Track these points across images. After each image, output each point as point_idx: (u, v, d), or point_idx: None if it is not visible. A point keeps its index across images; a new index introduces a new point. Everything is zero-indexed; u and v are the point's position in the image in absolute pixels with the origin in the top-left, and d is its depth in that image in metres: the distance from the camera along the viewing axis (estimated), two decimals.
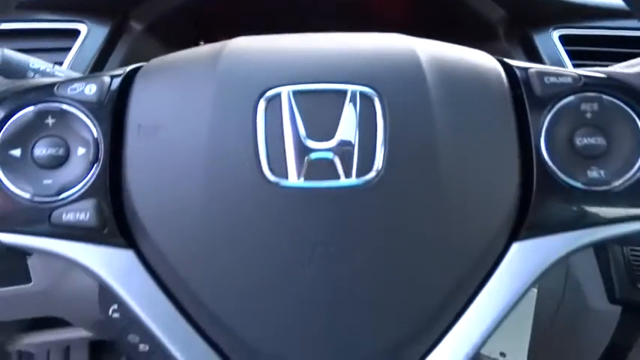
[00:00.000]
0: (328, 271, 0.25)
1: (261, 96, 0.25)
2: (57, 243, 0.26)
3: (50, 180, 0.26)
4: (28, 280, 0.48)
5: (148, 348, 0.30)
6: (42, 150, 0.26)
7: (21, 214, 0.26)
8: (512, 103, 0.27)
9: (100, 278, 0.26)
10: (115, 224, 0.26)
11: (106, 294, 0.31)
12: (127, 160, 0.26)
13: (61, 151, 0.26)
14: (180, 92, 0.26)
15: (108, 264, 0.26)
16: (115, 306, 0.30)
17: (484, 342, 0.26)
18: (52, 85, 0.27)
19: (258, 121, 0.25)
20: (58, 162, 0.26)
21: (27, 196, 0.26)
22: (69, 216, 0.26)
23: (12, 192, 0.26)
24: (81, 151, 0.26)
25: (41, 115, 0.26)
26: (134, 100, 0.27)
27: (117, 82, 0.27)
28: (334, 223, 0.25)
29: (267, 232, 0.25)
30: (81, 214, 0.26)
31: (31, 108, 0.26)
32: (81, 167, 0.26)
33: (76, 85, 0.27)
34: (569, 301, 0.47)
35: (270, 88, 0.25)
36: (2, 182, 0.26)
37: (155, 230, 0.26)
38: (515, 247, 0.26)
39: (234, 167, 0.25)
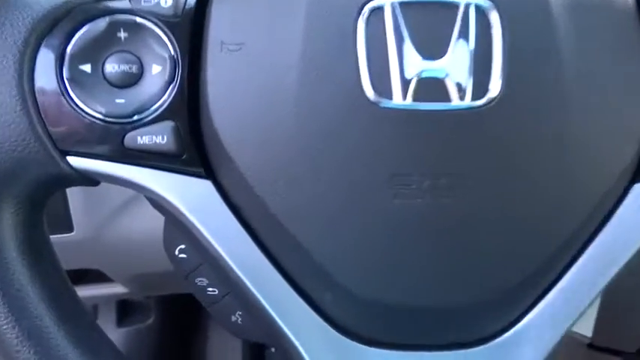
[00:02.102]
0: (438, 206, 0.22)
1: (361, 8, 0.22)
2: (130, 169, 0.24)
3: (123, 99, 0.23)
4: (70, 228, 0.46)
5: (217, 292, 0.28)
6: (114, 66, 0.23)
7: (92, 135, 0.23)
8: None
9: (175, 208, 0.24)
10: (195, 149, 0.24)
11: (173, 232, 0.29)
12: (208, 79, 0.23)
13: (134, 69, 0.23)
14: (269, 5, 0.23)
15: (184, 194, 0.24)
16: (182, 245, 0.28)
17: (601, 287, 0.23)
18: None
19: (358, 35, 0.22)
20: (132, 80, 0.23)
21: (99, 115, 0.23)
22: (144, 139, 0.23)
23: (82, 111, 0.23)
24: (156, 69, 0.23)
25: (113, 28, 0.23)
26: (215, 14, 0.24)
27: None
28: (445, 151, 0.22)
29: (368, 160, 0.22)
30: (158, 137, 0.23)
31: (102, 20, 0.24)
32: (156, 86, 0.23)
33: None
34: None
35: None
36: (72, 99, 0.23)
37: (238, 157, 0.23)
38: (638, 189, 0.24)
39: (330, 86, 0.22)
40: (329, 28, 0.22)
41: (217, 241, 0.24)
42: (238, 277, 0.24)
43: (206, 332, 0.94)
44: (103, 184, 0.47)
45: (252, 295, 0.24)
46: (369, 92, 0.22)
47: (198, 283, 0.28)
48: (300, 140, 0.22)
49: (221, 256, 0.24)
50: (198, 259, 0.28)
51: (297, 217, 0.23)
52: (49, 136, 0.24)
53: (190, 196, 0.24)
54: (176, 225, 0.27)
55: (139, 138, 0.23)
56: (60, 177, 0.24)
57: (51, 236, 0.49)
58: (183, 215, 0.24)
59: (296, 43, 0.22)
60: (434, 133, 0.22)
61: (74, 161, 0.24)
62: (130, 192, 0.49)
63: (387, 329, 0.24)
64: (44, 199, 0.27)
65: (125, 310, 0.83)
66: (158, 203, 0.25)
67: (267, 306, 0.24)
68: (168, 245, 0.28)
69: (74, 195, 0.44)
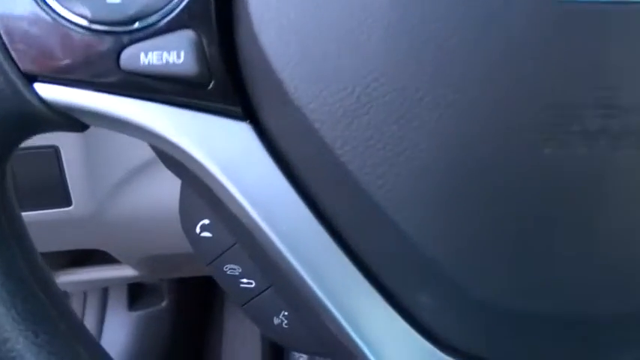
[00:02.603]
0: (611, 162, 0.14)
1: None
2: (128, 104, 0.16)
3: None
4: (68, 202, 0.39)
5: (254, 284, 0.20)
6: None
7: (71, 51, 0.16)
8: None
9: (197, 163, 0.16)
10: (227, 75, 0.16)
11: (193, 201, 0.21)
12: None
13: None
14: None
15: (210, 142, 0.16)
16: (206, 220, 0.20)
17: None
18: None
19: None
20: None
21: (82, 21, 0.15)
22: (150, 58, 0.15)
23: (56, 13, 0.16)
24: None
25: None
26: None
27: None
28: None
29: (509, 83, 0.14)
30: (171, 54, 0.15)
31: None
32: None
33: None
34: None
35: None
36: (45, 2, 0.16)
37: (298, 90, 0.15)
38: None
39: None
40: None
41: (258, 211, 0.16)
42: (288, 263, 0.16)
43: (222, 316, 0.88)
44: (105, 148, 0.38)
45: (309, 290, 0.16)
46: None
47: (228, 272, 0.20)
48: (406, 60, 0.14)
49: (263, 233, 0.16)
50: (229, 239, 0.20)
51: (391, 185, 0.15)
52: (8, 53, 0.16)
53: (219, 145, 0.16)
54: (198, 190, 0.19)
55: (142, 56, 0.15)
56: (26, 115, 0.17)
57: (47, 211, 0.43)
58: (209, 174, 0.16)
59: None
60: (620, 36, 0.13)
61: (45, 91, 0.16)
62: (137, 159, 0.42)
63: (514, 349, 0.16)
64: (6, 151, 0.19)
65: (137, 292, 0.78)
66: (170, 158, 0.17)
67: (330, 306, 0.16)
68: (187, 220, 0.21)
69: (71, 162, 0.37)
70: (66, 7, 0.15)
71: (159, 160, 0.41)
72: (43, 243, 0.45)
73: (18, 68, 0.16)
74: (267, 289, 0.20)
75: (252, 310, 0.21)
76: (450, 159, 0.15)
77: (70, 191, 0.38)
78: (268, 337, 0.21)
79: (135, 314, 0.78)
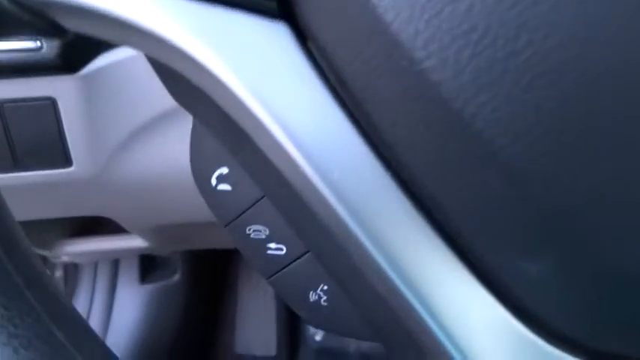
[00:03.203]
0: None
1: None
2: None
3: None
4: (69, 162, 0.35)
5: (285, 250, 0.16)
6: None
7: None
8: None
9: (214, 79, 0.12)
10: None
11: (208, 143, 0.16)
12: None
13: None
14: None
15: (232, 49, 0.12)
16: (224, 169, 0.16)
17: None
18: None
19: None
20: None
21: None
22: None
23: None
24: None
25: None
26: None
27: None
28: None
29: None
30: None
31: None
32: None
33: None
34: None
35: None
36: None
37: None
38: None
39: None
40: None
41: (299, 147, 0.12)
42: (338, 221, 0.12)
43: (236, 290, 0.86)
44: (107, 103, 0.34)
45: (365, 258, 0.12)
46: None
47: (252, 235, 0.16)
48: None
49: (305, 179, 0.12)
50: (254, 191, 0.15)
51: (495, 114, 0.10)
52: None
53: (246, 54, 0.11)
54: (214, 128, 0.15)
55: None
56: None
57: (46, 172, 0.39)
58: (231, 95, 0.12)
59: None
60: None
61: None
62: (142, 117, 0.38)
63: None
64: None
65: (149, 265, 0.76)
66: (177, 80, 0.13)
67: (395, 281, 0.12)
68: (201, 169, 0.16)
69: (70, 117, 0.33)
70: None
71: (167, 118, 0.37)
72: (45, 208, 0.42)
73: None
74: (303, 256, 0.16)
75: (281, 284, 0.16)
76: (568, 87, 0.10)
77: (70, 150, 0.35)
78: (302, 317, 0.16)
79: (146, 288, 0.76)
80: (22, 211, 0.40)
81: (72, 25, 0.13)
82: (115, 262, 0.77)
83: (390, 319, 0.13)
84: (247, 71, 0.12)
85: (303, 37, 0.12)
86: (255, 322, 0.86)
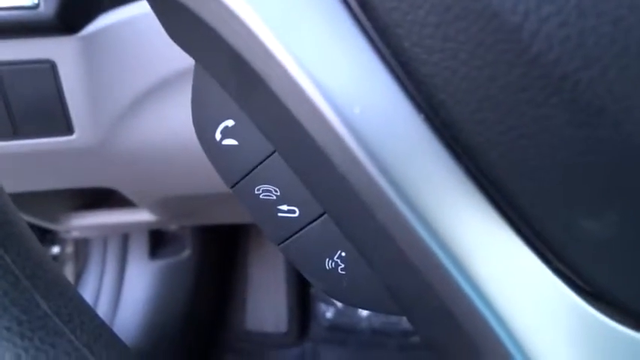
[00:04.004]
0: None
1: None
2: None
3: None
4: (70, 130, 0.33)
5: (298, 212, 0.14)
6: None
7: None
8: None
9: (228, 11, 0.10)
10: None
11: (211, 93, 0.15)
12: None
13: None
14: None
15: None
16: (230, 121, 0.14)
17: None
18: None
19: None
20: None
21: None
22: None
23: None
24: None
25: None
26: None
27: None
28: None
29: None
30: None
31: None
32: None
33: None
34: None
35: None
36: None
37: None
38: None
39: None
40: None
41: (317, 84, 0.10)
42: (361, 169, 0.10)
43: (245, 266, 0.85)
44: (108, 68, 0.33)
45: (393, 213, 0.10)
46: None
47: (262, 196, 0.14)
48: None
49: (321, 117, 0.10)
50: (263, 146, 0.14)
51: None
52: None
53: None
54: (219, 70, 0.13)
55: None
56: None
57: (47, 139, 0.38)
58: (244, 26, 0.10)
59: None
60: None
61: None
62: (144, 83, 0.36)
63: None
64: None
65: (158, 241, 0.75)
66: (176, 9, 0.11)
67: (430, 243, 0.10)
68: (203, 122, 0.14)
69: (71, 81, 0.32)
70: None
71: (172, 84, 0.35)
72: (47, 178, 0.40)
73: None
74: (318, 219, 0.14)
75: (294, 250, 0.14)
76: None
77: (72, 116, 0.33)
78: (318, 287, 0.15)
79: (156, 263, 0.76)
80: (25, 182, 0.39)
81: None
82: (124, 238, 0.77)
83: (424, 293, 0.11)
84: (263, 3, 0.10)
85: None
86: (265, 299, 0.85)
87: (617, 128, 0.08)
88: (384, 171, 0.10)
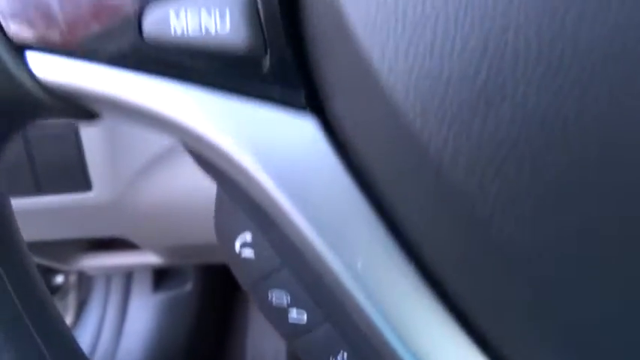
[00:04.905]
0: None
1: None
2: (152, 86, 0.12)
3: None
4: (89, 186, 0.35)
5: (306, 318, 0.16)
6: None
7: (75, 11, 0.12)
8: None
9: (243, 171, 0.12)
10: (287, 47, 0.11)
11: (232, 211, 0.17)
12: None
13: None
14: None
15: (261, 141, 0.12)
16: (248, 236, 0.16)
17: None
18: None
19: None
20: None
21: None
22: (184, 22, 0.11)
23: None
24: None
25: None
26: None
27: None
28: None
29: None
30: (212, 16, 0.11)
31: None
32: None
33: None
34: None
35: None
36: None
37: (393, 66, 0.11)
38: None
39: None
40: None
41: (324, 238, 0.12)
42: (360, 311, 0.12)
43: (248, 301, 0.86)
44: (128, 129, 0.35)
45: (384, 345, 0.12)
46: None
47: (274, 301, 0.16)
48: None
49: (329, 268, 0.12)
50: (275, 260, 0.16)
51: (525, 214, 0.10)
52: None
53: (273, 146, 0.12)
54: (238, 199, 0.15)
55: (172, 18, 0.11)
56: (16, 101, 0.12)
57: (67, 196, 0.40)
58: (257, 185, 0.12)
59: None
60: None
61: (40, 66, 0.12)
62: (163, 143, 0.38)
63: None
64: None
65: (161, 275, 0.76)
66: (206, 159, 0.13)
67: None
68: (224, 234, 0.16)
69: (92, 144, 0.34)
70: None
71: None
72: (64, 229, 0.42)
73: (4, 34, 0.12)
74: (323, 323, 0.16)
75: (302, 347, 0.16)
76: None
77: (91, 175, 0.35)
78: None
79: (159, 297, 0.76)
80: (41, 232, 0.41)
81: (108, 115, 0.13)
82: (128, 273, 0.78)
83: None
84: (274, 162, 0.12)
85: (331, 127, 0.12)
86: (266, 333, 0.86)
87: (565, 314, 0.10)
88: (374, 302, 0.12)
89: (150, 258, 0.54)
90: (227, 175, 0.13)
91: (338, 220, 0.12)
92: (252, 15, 0.11)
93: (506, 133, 0.10)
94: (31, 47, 0.12)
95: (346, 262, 0.12)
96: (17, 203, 0.16)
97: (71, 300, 0.78)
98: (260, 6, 0.11)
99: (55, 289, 0.79)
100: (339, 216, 0.12)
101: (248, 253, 0.16)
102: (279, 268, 0.15)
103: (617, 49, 0.09)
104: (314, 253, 0.12)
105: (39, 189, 0.35)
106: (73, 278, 0.81)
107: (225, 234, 0.16)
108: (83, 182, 0.35)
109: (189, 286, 0.78)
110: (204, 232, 0.42)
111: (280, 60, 0.11)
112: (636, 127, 0.09)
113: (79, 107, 0.13)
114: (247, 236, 0.16)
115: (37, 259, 0.54)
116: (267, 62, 0.11)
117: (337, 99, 0.11)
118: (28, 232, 0.18)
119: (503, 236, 0.10)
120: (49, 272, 0.78)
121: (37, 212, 0.36)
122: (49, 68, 0.12)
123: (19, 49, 0.12)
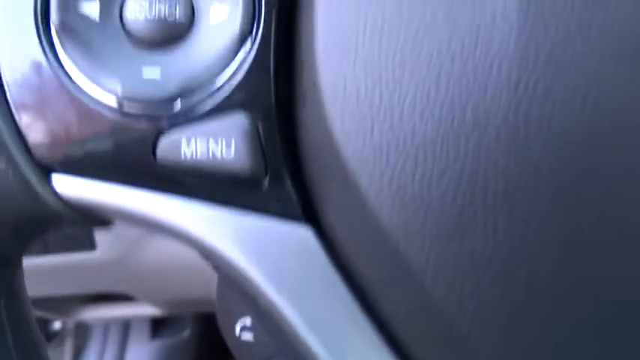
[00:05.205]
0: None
1: None
2: (164, 203, 0.13)
3: (157, 68, 0.13)
4: (92, 246, 0.37)
5: None
6: (141, 9, 0.13)
7: (97, 137, 0.13)
8: None
9: (244, 275, 0.13)
10: (285, 169, 0.13)
11: (232, 299, 0.18)
12: (318, 31, 0.12)
13: (178, 12, 0.13)
14: None
15: (262, 250, 0.13)
16: (248, 321, 0.17)
17: None
18: None
19: None
20: (174, 33, 0.13)
21: (111, 100, 0.13)
22: (194, 148, 0.13)
23: (81, 91, 0.13)
24: (218, 12, 0.13)
25: None
26: None
27: None
28: None
29: None
30: (219, 143, 0.12)
31: None
32: (218, 45, 0.13)
33: None
34: None
35: None
36: (62, 66, 0.13)
37: (381, 191, 0.12)
38: None
39: None
40: None
41: (319, 340, 0.13)
42: None
43: None
44: None
45: None
46: None
47: None
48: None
49: (314, 356, 0.13)
50: (271, 346, 0.17)
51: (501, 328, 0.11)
52: (21, 139, 0.13)
53: (274, 257, 0.13)
54: (237, 289, 0.16)
55: (183, 145, 0.12)
56: (39, 215, 0.14)
57: (70, 255, 0.41)
58: (257, 288, 0.13)
59: None
60: None
61: (63, 185, 0.13)
62: None
63: None
64: (16, 253, 0.16)
65: (159, 321, 0.76)
66: (212, 259, 0.14)
67: None
68: (225, 317, 0.17)
69: None
70: (94, 80, 0.13)
71: None
72: (67, 285, 0.43)
73: (32, 158, 0.13)
74: None
75: None
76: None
77: (95, 235, 0.36)
78: None
79: (156, 344, 0.76)
80: (45, 288, 0.42)
81: (124, 223, 0.15)
82: (126, 322, 0.77)
83: None
84: (273, 269, 0.13)
85: (326, 239, 0.13)
86: None
87: None
88: None
89: (148, 309, 0.54)
90: (233, 277, 0.14)
91: (332, 322, 0.13)
92: (255, 144, 0.12)
93: (482, 254, 0.11)
94: (56, 170, 0.13)
95: (337, 351, 0.13)
96: (24, 262, 0.17)
97: (68, 347, 0.78)
98: (261, 136, 0.12)
99: (53, 336, 0.79)
100: (332, 318, 0.13)
101: (247, 336, 0.17)
102: (277, 353, 0.16)
103: (579, 185, 0.10)
104: (309, 351, 0.13)
105: (46, 249, 0.36)
106: (70, 325, 0.81)
107: (227, 316, 0.17)
108: (88, 243, 0.36)
109: (186, 333, 0.77)
110: (205, 286, 0.43)
111: (279, 180, 0.13)
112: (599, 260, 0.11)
113: (95, 217, 0.14)
114: (247, 321, 0.17)
115: (36, 312, 0.55)
116: (266, 182, 0.13)
117: (329, 213, 0.13)
118: (33, 287, 0.18)
119: (481, 356, 0.11)
120: (46, 319, 0.78)
121: (42, 270, 0.37)
122: (70, 186, 0.13)
123: (45, 170, 0.13)
